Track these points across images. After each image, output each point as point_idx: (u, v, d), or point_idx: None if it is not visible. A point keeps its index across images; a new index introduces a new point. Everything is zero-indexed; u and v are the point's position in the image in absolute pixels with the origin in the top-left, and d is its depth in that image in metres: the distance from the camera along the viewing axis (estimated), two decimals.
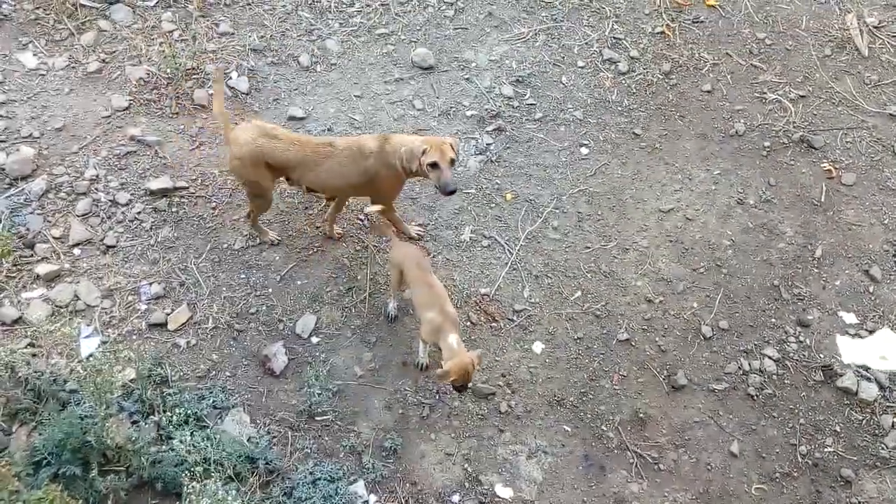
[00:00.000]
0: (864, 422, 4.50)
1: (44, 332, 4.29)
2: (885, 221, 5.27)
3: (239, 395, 4.28)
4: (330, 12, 6.05)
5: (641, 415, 4.44)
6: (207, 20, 5.86)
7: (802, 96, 5.84)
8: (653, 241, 5.10)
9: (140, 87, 5.42)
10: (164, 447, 3.90)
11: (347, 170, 4.32)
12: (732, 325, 4.80)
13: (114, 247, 4.73)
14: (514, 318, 4.72)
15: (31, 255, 4.63)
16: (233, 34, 5.81)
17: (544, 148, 5.47)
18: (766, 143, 5.58)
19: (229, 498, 3.40)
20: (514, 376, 4.51)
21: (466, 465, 4.21)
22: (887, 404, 4.55)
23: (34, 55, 5.52)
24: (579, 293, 4.85)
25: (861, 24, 6.23)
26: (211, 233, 4.85)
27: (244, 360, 4.42)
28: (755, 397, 4.55)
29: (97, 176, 4.96)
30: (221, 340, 4.47)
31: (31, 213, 4.78)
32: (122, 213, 4.86)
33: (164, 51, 5.48)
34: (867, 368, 4.64)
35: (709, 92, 5.84)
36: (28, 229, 4.70)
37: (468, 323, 4.64)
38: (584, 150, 5.48)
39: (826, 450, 4.41)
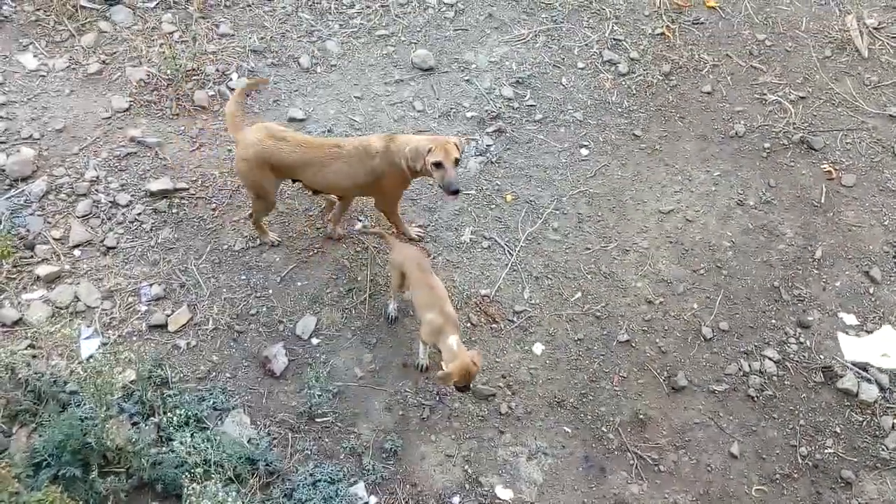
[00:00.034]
0: (864, 423, 4.50)
1: (44, 333, 4.29)
2: (886, 223, 5.27)
3: (239, 396, 4.28)
4: (330, 14, 6.05)
5: (642, 416, 4.44)
6: (208, 21, 5.87)
7: (802, 97, 5.85)
8: (653, 242, 5.10)
9: (140, 89, 5.42)
10: (164, 448, 3.90)
11: (354, 170, 4.33)
12: (733, 327, 4.80)
13: (114, 248, 4.73)
14: (515, 319, 4.72)
15: (32, 257, 4.63)
16: (233, 35, 5.81)
17: (544, 149, 5.47)
18: (766, 145, 5.59)
19: (229, 499, 3.40)
20: (515, 377, 4.51)
21: (467, 467, 4.21)
22: (887, 405, 4.55)
23: (34, 56, 5.53)
24: (579, 294, 4.85)
25: (861, 26, 6.23)
26: (211, 234, 4.85)
27: (244, 362, 4.42)
28: (755, 398, 4.55)
29: (97, 177, 4.97)
30: (222, 342, 4.47)
31: (32, 214, 4.78)
32: (123, 214, 4.86)
33: (164, 52, 5.49)
34: (869, 366, 4.64)
35: (709, 93, 5.84)
36: (28, 230, 4.71)
37: (468, 324, 4.64)
38: (584, 152, 5.49)
39: (826, 451, 4.41)
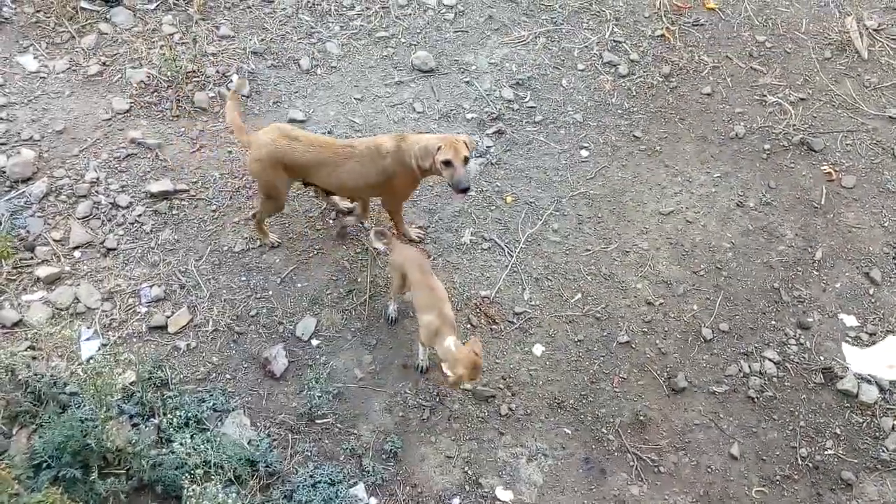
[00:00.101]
0: (864, 424, 4.50)
1: (44, 334, 4.29)
2: (885, 224, 5.27)
3: (239, 397, 4.28)
4: (330, 15, 6.06)
5: (642, 417, 4.44)
6: (208, 23, 5.87)
7: (802, 99, 5.85)
8: (653, 243, 5.10)
9: (140, 90, 5.43)
10: (164, 450, 3.90)
11: (367, 170, 4.35)
12: (733, 328, 4.80)
13: (114, 249, 4.73)
14: (515, 320, 4.72)
15: (32, 258, 4.63)
16: (233, 37, 5.82)
17: (544, 150, 5.47)
18: (766, 146, 5.59)
19: (229, 501, 3.40)
20: (515, 379, 4.51)
21: (467, 468, 4.21)
22: (887, 407, 4.55)
23: (35, 58, 5.53)
24: (579, 295, 4.85)
25: (861, 27, 6.24)
26: (211, 235, 4.85)
27: (244, 363, 4.42)
28: (755, 400, 4.55)
29: (98, 178, 4.97)
30: (222, 343, 4.47)
31: (32, 215, 4.78)
32: (123, 215, 4.86)
33: (164, 54, 5.49)
34: (875, 378, 4.62)
35: (709, 95, 5.85)
36: (28, 232, 4.71)
37: (468, 325, 4.64)
38: (584, 153, 5.49)
39: (826, 452, 4.41)
